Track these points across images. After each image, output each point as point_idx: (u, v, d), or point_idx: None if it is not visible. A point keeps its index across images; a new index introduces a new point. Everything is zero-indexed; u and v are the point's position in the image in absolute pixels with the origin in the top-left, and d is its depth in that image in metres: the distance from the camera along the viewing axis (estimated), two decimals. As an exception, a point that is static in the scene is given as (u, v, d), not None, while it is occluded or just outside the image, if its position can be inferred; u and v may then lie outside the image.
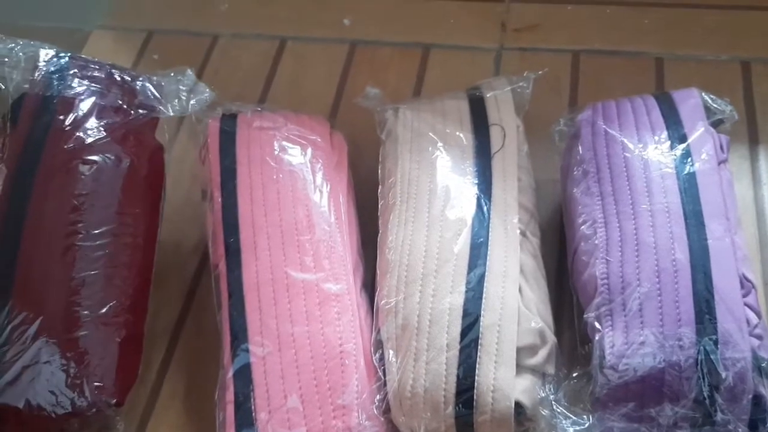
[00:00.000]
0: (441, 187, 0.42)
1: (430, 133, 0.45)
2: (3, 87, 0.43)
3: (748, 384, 0.34)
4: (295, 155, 0.45)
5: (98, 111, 0.43)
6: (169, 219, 0.52)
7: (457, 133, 0.45)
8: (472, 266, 0.39)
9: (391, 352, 0.38)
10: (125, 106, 0.44)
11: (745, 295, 0.36)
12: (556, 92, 0.55)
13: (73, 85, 0.43)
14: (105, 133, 0.42)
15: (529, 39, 0.59)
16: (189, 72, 0.47)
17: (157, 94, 0.45)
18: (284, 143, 0.46)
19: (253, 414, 0.37)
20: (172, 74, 0.46)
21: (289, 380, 0.38)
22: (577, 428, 0.36)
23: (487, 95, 0.46)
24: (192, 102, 0.46)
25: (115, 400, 0.39)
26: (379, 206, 0.45)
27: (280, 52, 0.62)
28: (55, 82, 0.43)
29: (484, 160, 0.43)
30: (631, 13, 0.59)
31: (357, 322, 0.40)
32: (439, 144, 0.44)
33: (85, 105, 0.43)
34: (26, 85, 0.43)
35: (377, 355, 0.39)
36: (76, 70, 0.44)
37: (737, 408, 0.34)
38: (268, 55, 0.62)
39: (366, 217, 0.46)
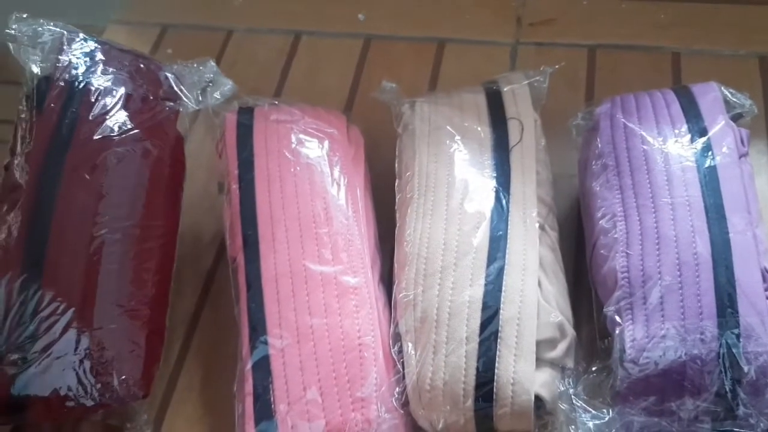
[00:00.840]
0: (459, 180, 0.42)
1: (448, 127, 0.45)
2: (25, 69, 0.42)
3: (771, 378, 0.34)
4: (313, 148, 0.45)
5: (125, 101, 0.43)
6: (186, 212, 0.52)
7: (475, 126, 0.45)
8: (491, 259, 0.39)
9: (410, 344, 0.38)
10: (150, 97, 0.44)
11: (767, 289, 0.36)
12: (572, 87, 0.55)
13: (101, 73, 0.43)
14: (131, 125, 0.42)
15: (545, 33, 0.59)
16: (211, 63, 0.47)
17: (180, 86, 0.45)
18: (301, 136, 0.46)
19: (272, 406, 0.37)
20: (195, 65, 0.46)
21: (308, 372, 0.38)
22: (597, 422, 0.36)
23: (505, 89, 0.46)
24: (215, 95, 0.46)
25: (143, 393, 0.39)
26: (397, 199, 0.45)
27: (295, 46, 0.62)
28: (83, 69, 0.42)
29: (503, 154, 0.43)
30: (648, 7, 0.59)
31: (375, 314, 0.40)
32: (457, 137, 0.44)
33: (112, 95, 0.42)
34: (50, 68, 0.42)
35: (396, 347, 0.39)
36: (103, 57, 0.43)
37: (759, 402, 0.34)
38: (283, 50, 0.62)
39: (383, 210, 0.46)
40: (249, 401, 0.38)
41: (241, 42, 0.63)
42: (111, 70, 0.43)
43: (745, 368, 0.34)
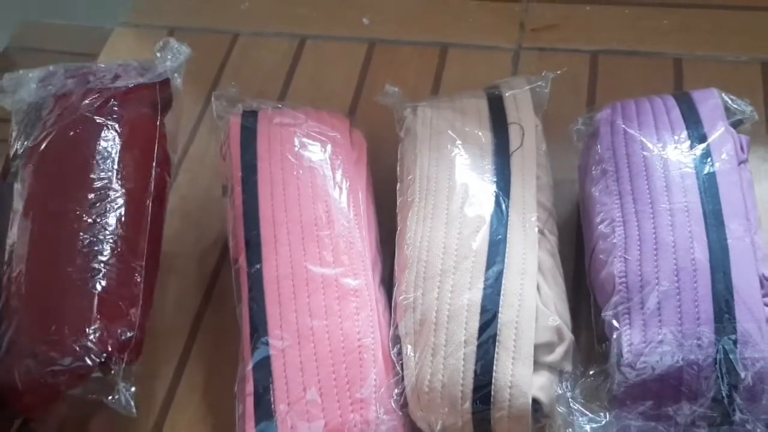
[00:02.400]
0: (460, 185, 0.42)
1: (449, 131, 0.45)
2: (12, 110, 0.46)
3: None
4: (315, 152, 0.46)
5: (84, 93, 0.45)
6: (190, 214, 0.52)
7: (476, 131, 0.45)
8: (490, 263, 0.39)
9: (409, 347, 0.39)
10: (109, 85, 0.46)
11: (765, 295, 0.36)
12: (574, 92, 0.55)
13: (66, 84, 0.46)
14: (96, 108, 0.44)
15: (548, 39, 0.59)
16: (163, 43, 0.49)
17: (150, 68, 0.47)
18: (304, 139, 0.46)
19: (273, 406, 0.38)
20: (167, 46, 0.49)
21: (308, 373, 0.38)
22: (594, 426, 0.36)
23: (506, 94, 0.47)
24: (167, 62, 0.47)
25: (103, 351, 0.38)
26: (398, 203, 0.45)
27: (300, 50, 0.63)
28: (50, 87, 0.46)
29: (503, 158, 0.44)
30: (650, 13, 0.59)
31: (375, 316, 0.41)
32: (458, 142, 0.45)
33: (75, 92, 0.45)
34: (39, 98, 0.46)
35: (395, 349, 0.40)
36: (66, 74, 0.47)
37: (756, 408, 0.34)
38: (288, 54, 0.62)
39: (385, 213, 0.47)
40: (249, 401, 0.38)
41: (247, 45, 0.64)
42: (72, 80, 0.46)
43: (742, 374, 0.34)
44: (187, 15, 0.67)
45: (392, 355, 0.40)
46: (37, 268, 0.40)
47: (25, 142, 0.44)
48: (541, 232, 0.41)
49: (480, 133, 0.45)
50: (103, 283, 0.39)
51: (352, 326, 0.40)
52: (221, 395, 0.43)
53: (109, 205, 0.41)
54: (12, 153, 0.45)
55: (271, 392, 0.38)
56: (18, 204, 0.43)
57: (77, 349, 0.37)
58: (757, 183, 0.42)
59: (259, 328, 0.40)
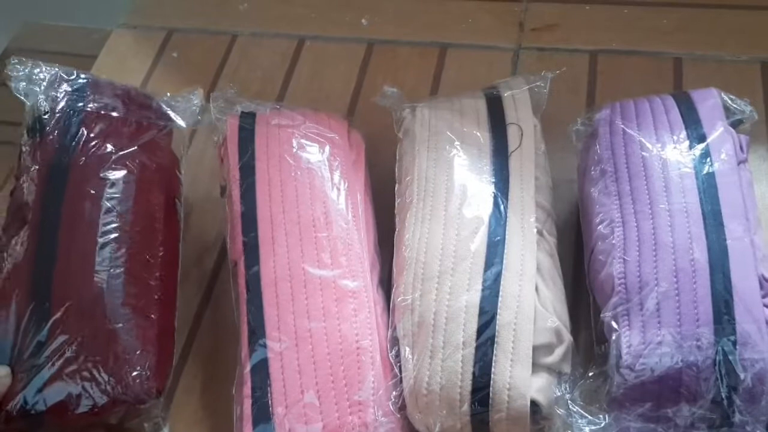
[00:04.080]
0: (458, 186, 0.42)
1: (448, 132, 0.45)
2: (28, 103, 0.45)
3: (767, 385, 0.34)
4: (314, 153, 0.46)
5: (119, 124, 0.45)
6: (188, 215, 0.52)
7: (475, 131, 0.45)
8: (488, 264, 0.39)
9: (407, 348, 0.39)
10: (142, 120, 0.46)
11: (764, 296, 0.36)
12: (573, 92, 0.55)
13: (94, 101, 0.46)
14: (126, 143, 0.45)
15: (547, 39, 0.59)
16: (199, 91, 0.50)
17: (168, 110, 0.48)
18: (302, 141, 0.46)
19: (270, 408, 0.38)
20: (184, 95, 0.49)
21: (305, 375, 0.38)
22: (593, 428, 0.36)
23: (505, 94, 0.46)
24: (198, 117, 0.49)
25: (155, 388, 0.40)
26: (396, 204, 0.45)
27: (298, 51, 0.62)
28: (78, 100, 0.45)
29: (502, 159, 0.43)
30: (650, 13, 0.59)
31: (373, 318, 0.40)
32: (457, 143, 0.44)
33: (106, 119, 0.45)
34: (48, 103, 0.45)
35: (393, 351, 0.40)
36: (96, 89, 0.46)
37: (756, 409, 0.34)
38: (287, 54, 0.62)
39: (383, 214, 0.47)
40: (247, 404, 0.38)
41: (246, 46, 0.64)
42: (104, 99, 0.46)
43: (742, 375, 0.34)
44: (185, 16, 0.67)
45: (390, 357, 0.40)
46: (89, 293, 0.40)
47: (37, 152, 0.44)
48: (539, 233, 0.41)
49: (478, 134, 0.45)
50: (155, 317, 0.41)
51: (350, 328, 0.40)
52: (219, 397, 0.43)
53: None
54: (24, 164, 0.44)
55: (269, 394, 0.38)
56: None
57: (138, 384, 0.39)
58: (757, 183, 0.42)
59: (256, 330, 0.40)
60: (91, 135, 0.44)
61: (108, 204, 0.42)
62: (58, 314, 0.39)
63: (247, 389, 0.38)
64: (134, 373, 0.39)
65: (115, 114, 0.45)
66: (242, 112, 0.48)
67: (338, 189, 0.44)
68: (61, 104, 0.45)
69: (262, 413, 0.37)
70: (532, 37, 0.59)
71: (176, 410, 0.45)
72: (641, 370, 0.35)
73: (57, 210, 0.41)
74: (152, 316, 0.41)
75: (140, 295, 0.41)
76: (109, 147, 0.44)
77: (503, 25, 0.61)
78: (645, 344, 0.36)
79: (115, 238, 0.42)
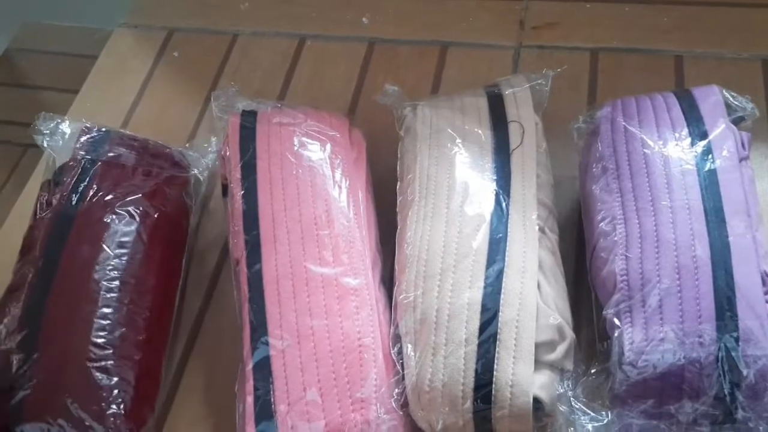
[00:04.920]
0: (460, 183, 0.42)
1: (449, 130, 0.45)
2: (52, 155, 0.48)
3: (770, 381, 0.34)
4: (315, 151, 0.46)
5: (130, 172, 0.47)
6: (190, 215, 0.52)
7: (476, 129, 0.45)
8: (490, 261, 0.39)
9: (409, 346, 0.39)
10: (155, 169, 0.48)
11: (766, 293, 0.36)
12: (574, 90, 0.55)
13: (111, 152, 0.48)
14: (134, 190, 0.46)
15: (548, 37, 0.59)
16: (213, 139, 0.52)
17: (184, 159, 0.50)
18: (304, 139, 0.46)
19: (273, 406, 0.38)
20: (199, 145, 0.52)
21: (308, 373, 0.38)
22: (596, 424, 0.36)
23: (506, 92, 0.47)
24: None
25: (130, 429, 0.40)
26: (398, 202, 0.45)
27: (299, 50, 0.63)
28: (95, 149, 0.48)
29: (503, 157, 0.43)
30: (651, 10, 0.59)
31: (375, 316, 0.40)
32: (458, 140, 0.44)
33: (119, 167, 0.47)
34: (67, 155, 0.47)
35: (395, 349, 0.40)
36: (112, 140, 0.49)
37: (758, 405, 0.34)
38: (288, 53, 0.62)
39: (384, 212, 0.47)
40: (249, 401, 0.38)
41: (247, 45, 0.64)
42: (121, 149, 0.48)
43: (744, 372, 0.34)
44: (186, 15, 0.67)
45: (393, 355, 0.40)
46: (67, 326, 0.41)
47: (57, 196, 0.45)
48: (541, 230, 0.41)
49: (480, 132, 0.45)
50: (138, 359, 0.42)
51: (352, 326, 0.39)
52: (222, 395, 0.43)
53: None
54: (38, 211, 0.46)
55: (272, 392, 0.38)
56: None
57: (112, 423, 0.39)
58: (759, 179, 0.42)
59: (258, 328, 0.40)
60: (101, 183, 0.46)
61: (106, 249, 0.43)
62: (41, 348, 0.40)
63: (250, 387, 0.38)
64: (109, 412, 0.39)
65: (128, 164, 0.47)
66: (243, 111, 0.48)
67: (340, 187, 0.44)
68: (79, 155, 0.47)
69: (265, 411, 0.37)
70: (532, 36, 0.59)
71: (178, 408, 0.45)
72: (643, 366, 0.35)
73: (59, 252, 0.43)
74: (135, 359, 0.41)
75: (126, 338, 0.41)
76: (115, 195, 0.46)
77: (504, 24, 0.61)
78: (647, 341, 0.36)
79: (107, 280, 0.43)
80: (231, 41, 0.64)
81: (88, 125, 0.49)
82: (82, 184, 0.46)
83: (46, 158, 0.49)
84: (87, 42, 0.72)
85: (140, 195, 0.46)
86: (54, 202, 0.45)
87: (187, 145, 0.52)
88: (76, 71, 0.66)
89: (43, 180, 0.48)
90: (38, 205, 0.46)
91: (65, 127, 0.49)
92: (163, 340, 0.45)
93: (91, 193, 0.45)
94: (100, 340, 0.41)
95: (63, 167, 0.47)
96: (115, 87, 0.63)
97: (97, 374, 0.40)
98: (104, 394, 0.39)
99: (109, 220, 0.44)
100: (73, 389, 0.39)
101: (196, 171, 0.51)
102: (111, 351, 0.41)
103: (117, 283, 0.43)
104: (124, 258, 0.44)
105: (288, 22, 0.65)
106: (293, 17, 0.65)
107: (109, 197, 0.45)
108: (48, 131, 0.49)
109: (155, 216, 0.46)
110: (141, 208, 0.46)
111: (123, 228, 0.44)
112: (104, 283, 0.42)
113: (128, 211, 0.45)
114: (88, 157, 0.47)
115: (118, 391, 0.40)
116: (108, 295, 0.42)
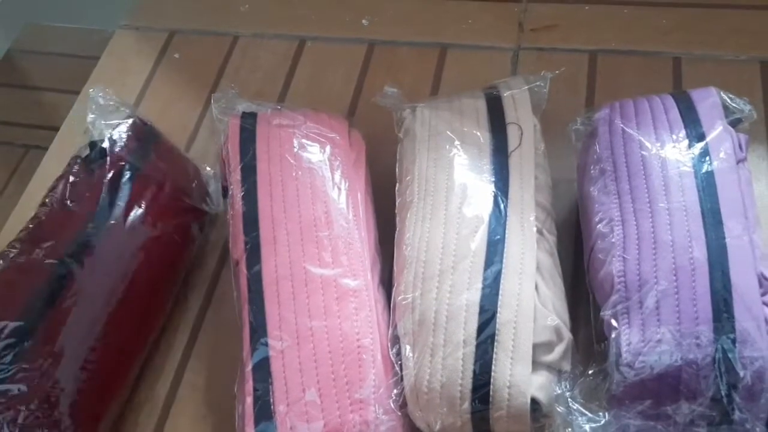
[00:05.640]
0: (458, 185, 0.42)
1: (448, 132, 0.45)
2: (93, 134, 0.47)
3: (766, 383, 0.34)
4: (314, 152, 0.46)
5: (168, 195, 0.47)
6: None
7: (475, 131, 0.45)
8: (488, 263, 0.39)
9: (408, 347, 0.39)
10: (185, 198, 0.48)
11: (763, 294, 0.36)
12: (573, 92, 0.55)
13: (152, 162, 0.47)
14: (151, 219, 0.46)
15: (547, 39, 0.59)
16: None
17: (206, 189, 0.50)
18: (303, 141, 0.46)
19: (272, 407, 0.38)
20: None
21: (307, 374, 0.38)
22: (593, 425, 0.36)
23: (505, 94, 0.47)
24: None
25: None
26: (397, 203, 0.45)
27: (299, 52, 0.63)
28: (139, 153, 0.47)
29: (501, 159, 0.44)
30: (649, 12, 0.59)
31: (374, 317, 0.41)
32: (457, 142, 0.45)
33: (153, 184, 0.46)
34: (106, 143, 0.46)
35: (394, 350, 0.40)
36: (156, 148, 0.48)
37: (755, 407, 0.34)
38: (288, 55, 0.62)
39: (383, 214, 0.47)
40: (249, 402, 0.38)
41: (247, 47, 0.64)
42: (161, 164, 0.47)
43: (741, 373, 0.34)
44: (187, 17, 0.68)
45: (391, 356, 0.40)
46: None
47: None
48: (539, 231, 0.41)
49: (478, 134, 0.45)
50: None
51: (351, 327, 0.40)
52: (221, 395, 0.44)
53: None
54: (63, 186, 0.45)
55: (271, 393, 0.38)
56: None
57: None
58: (756, 181, 0.42)
59: (258, 329, 0.40)
60: (133, 202, 0.45)
61: (116, 270, 0.43)
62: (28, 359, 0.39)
63: (249, 387, 0.39)
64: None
65: (162, 183, 0.47)
66: (243, 113, 0.49)
67: (339, 188, 0.45)
68: (119, 151, 0.46)
69: (264, 411, 0.38)
70: (531, 38, 0.60)
71: (179, 408, 0.45)
72: (641, 367, 0.36)
73: (83, 251, 0.42)
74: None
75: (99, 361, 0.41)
76: (143, 222, 0.45)
77: (503, 26, 0.61)
78: (644, 342, 0.36)
79: (105, 301, 0.42)
80: (231, 43, 0.64)
81: (138, 119, 0.48)
82: (117, 194, 0.45)
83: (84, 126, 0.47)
84: (88, 43, 0.73)
85: (158, 235, 0.45)
86: (85, 194, 0.44)
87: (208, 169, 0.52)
88: (77, 72, 0.66)
89: (77, 151, 0.46)
90: (63, 181, 0.45)
91: (119, 110, 0.48)
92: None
93: (120, 207, 0.44)
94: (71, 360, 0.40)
95: (98, 155, 0.45)
96: (116, 88, 0.62)
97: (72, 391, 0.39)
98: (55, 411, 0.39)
99: (126, 242, 0.44)
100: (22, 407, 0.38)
101: (212, 206, 0.50)
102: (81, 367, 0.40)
103: (107, 310, 0.42)
104: (123, 283, 0.43)
105: (288, 24, 0.65)
106: (293, 19, 0.65)
107: (134, 222, 0.44)
108: (95, 106, 0.47)
109: (161, 245, 0.45)
110: (149, 241, 0.45)
111: (131, 252, 0.44)
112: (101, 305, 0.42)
113: (144, 244, 0.45)
114: (131, 161, 0.46)
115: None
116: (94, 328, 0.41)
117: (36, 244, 0.43)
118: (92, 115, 0.47)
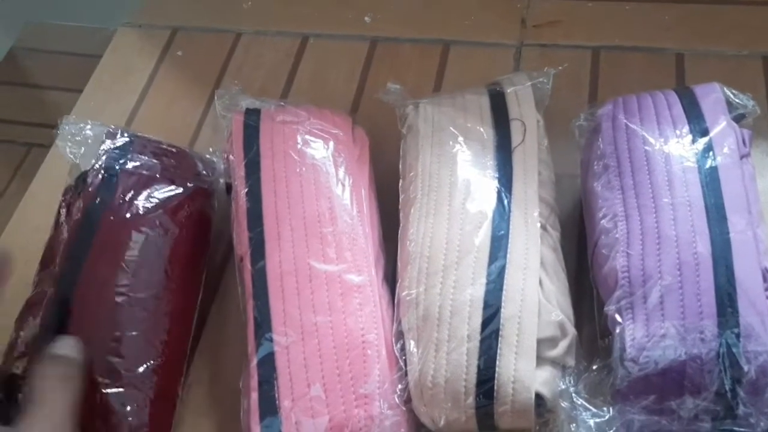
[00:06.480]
0: (462, 181, 0.43)
1: (451, 128, 0.45)
2: (75, 161, 0.47)
3: (771, 377, 0.34)
4: (318, 149, 0.46)
5: (153, 184, 0.46)
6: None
7: (478, 127, 0.45)
8: (492, 258, 0.39)
9: (412, 342, 0.39)
10: (178, 180, 0.47)
11: (767, 289, 0.36)
12: (576, 88, 0.55)
13: (133, 160, 0.46)
14: (156, 205, 0.45)
15: (549, 35, 0.59)
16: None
17: (207, 166, 0.49)
18: (307, 137, 0.46)
19: (277, 402, 0.38)
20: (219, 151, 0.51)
21: (312, 369, 0.38)
22: (597, 420, 0.37)
23: (508, 90, 0.47)
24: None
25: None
26: (400, 199, 0.46)
27: (302, 49, 0.63)
28: (117, 158, 0.46)
29: (505, 154, 0.44)
30: (651, 9, 0.59)
31: (378, 312, 0.41)
32: (460, 138, 0.45)
33: (141, 179, 0.46)
34: (92, 160, 0.46)
35: (398, 345, 0.40)
36: (136, 147, 0.47)
37: (759, 401, 0.34)
38: (290, 52, 0.62)
39: (387, 210, 0.47)
40: (254, 397, 0.38)
41: (250, 44, 0.64)
42: (143, 158, 0.47)
43: (745, 368, 0.34)
44: (189, 14, 0.68)
45: (396, 351, 0.40)
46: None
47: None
48: (543, 227, 0.41)
49: (482, 130, 0.45)
50: (154, 382, 0.41)
51: (356, 322, 0.40)
52: (226, 390, 0.44)
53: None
54: (59, 218, 0.45)
55: (276, 388, 0.38)
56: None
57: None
58: (760, 177, 0.42)
59: (262, 325, 0.40)
60: (124, 196, 0.44)
61: (125, 267, 0.42)
62: None
63: (254, 383, 0.39)
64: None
65: (152, 173, 0.46)
66: (247, 109, 0.49)
67: (343, 185, 0.45)
68: (101, 163, 0.45)
69: (269, 406, 0.38)
70: (534, 34, 0.60)
71: (184, 403, 0.45)
72: (645, 362, 0.36)
73: (77, 270, 0.42)
74: (151, 382, 0.41)
75: (145, 363, 0.41)
76: (138, 208, 0.44)
77: (505, 22, 0.61)
78: (649, 337, 0.36)
79: (129, 301, 0.41)
80: (234, 40, 0.64)
81: (111, 129, 0.47)
82: (105, 196, 0.44)
83: (69, 163, 0.47)
84: (91, 41, 0.73)
85: (162, 211, 0.45)
86: (75, 211, 0.44)
87: (211, 149, 0.51)
88: (80, 70, 0.66)
89: (68, 182, 0.47)
90: (59, 213, 0.45)
91: (88, 130, 0.47)
92: (179, 362, 0.44)
93: (113, 206, 0.44)
94: (116, 366, 0.40)
95: (86, 174, 0.45)
96: (118, 86, 0.63)
97: (111, 399, 0.39)
98: (117, 420, 0.39)
99: (129, 238, 0.43)
100: (85, 413, 0.38)
101: (221, 181, 0.50)
102: (125, 375, 0.40)
103: (136, 304, 0.42)
104: (143, 279, 0.43)
105: (290, 21, 0.65)
106: (296, 16, 0.65)
107: (130, 212, 0.44)
108: (69, 135, 0.47)
109: (176, 233, 0.45)
110: (163, 224, 0.44)
111: (144, 246, 0.43)
112: (124, 303, 0.41)
113: (150, 228, 0.44)
114: (112, 164, 0.45)
115: (131, 418, 0.39)
116: (125, 317, 0.41)
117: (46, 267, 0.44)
118: (70, 152, 0.47)
